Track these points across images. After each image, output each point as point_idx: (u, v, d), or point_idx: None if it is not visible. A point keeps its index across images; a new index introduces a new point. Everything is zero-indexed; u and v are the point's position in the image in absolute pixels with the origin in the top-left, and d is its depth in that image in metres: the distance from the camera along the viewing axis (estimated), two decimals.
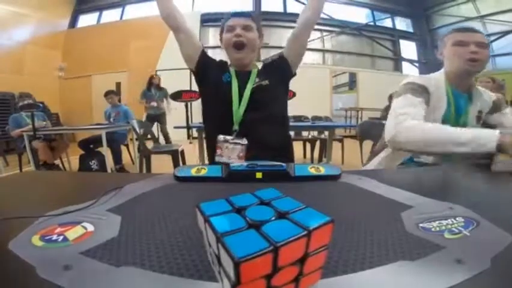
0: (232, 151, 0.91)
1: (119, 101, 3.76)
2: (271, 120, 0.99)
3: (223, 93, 0.97)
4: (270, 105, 1.00)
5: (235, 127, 0.95)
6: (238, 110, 0.95)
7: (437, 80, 0.95)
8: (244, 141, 0.91)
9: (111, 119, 3.46)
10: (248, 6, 6.97)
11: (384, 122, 0.94)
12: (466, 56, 0.88)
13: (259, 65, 1.10)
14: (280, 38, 6.74)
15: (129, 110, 3.55)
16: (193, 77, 1.08)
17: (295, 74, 1.09)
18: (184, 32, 1.00)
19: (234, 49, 0.99)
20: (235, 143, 0.91)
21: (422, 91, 0.90)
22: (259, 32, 1.04)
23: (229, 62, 1.06)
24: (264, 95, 0.98)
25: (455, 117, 0.93)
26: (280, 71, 1.06)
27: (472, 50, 0.88)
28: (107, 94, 3.52)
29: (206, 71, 1.04)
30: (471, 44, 0.89)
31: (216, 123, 1.01)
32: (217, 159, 0.92)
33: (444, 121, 0.91)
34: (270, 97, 1.00)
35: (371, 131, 1.72)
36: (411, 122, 0.81)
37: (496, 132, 0.67)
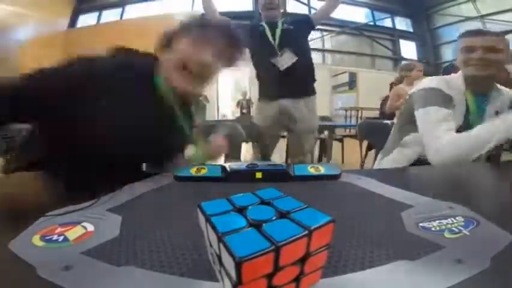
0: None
1: None
2: None
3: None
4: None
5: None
6: None
7: (456, 84, 0.94)
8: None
9: None
10: (248, 6, 6.97)
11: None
12: (473, 62, 0.87)
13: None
14: None
15: None
16: None
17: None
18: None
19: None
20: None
21: (448, 101, 0.90)
22: None
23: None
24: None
25: (473, 119, 0.93)
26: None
27: (478, 56, 0.85)
28: None
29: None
30: (479, 49, 0.86)
31: None
32: None
33: (465, 126, 0.90)
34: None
35: (370, 130, 1.72)
36: (449, 138, 0.81)
37: None
